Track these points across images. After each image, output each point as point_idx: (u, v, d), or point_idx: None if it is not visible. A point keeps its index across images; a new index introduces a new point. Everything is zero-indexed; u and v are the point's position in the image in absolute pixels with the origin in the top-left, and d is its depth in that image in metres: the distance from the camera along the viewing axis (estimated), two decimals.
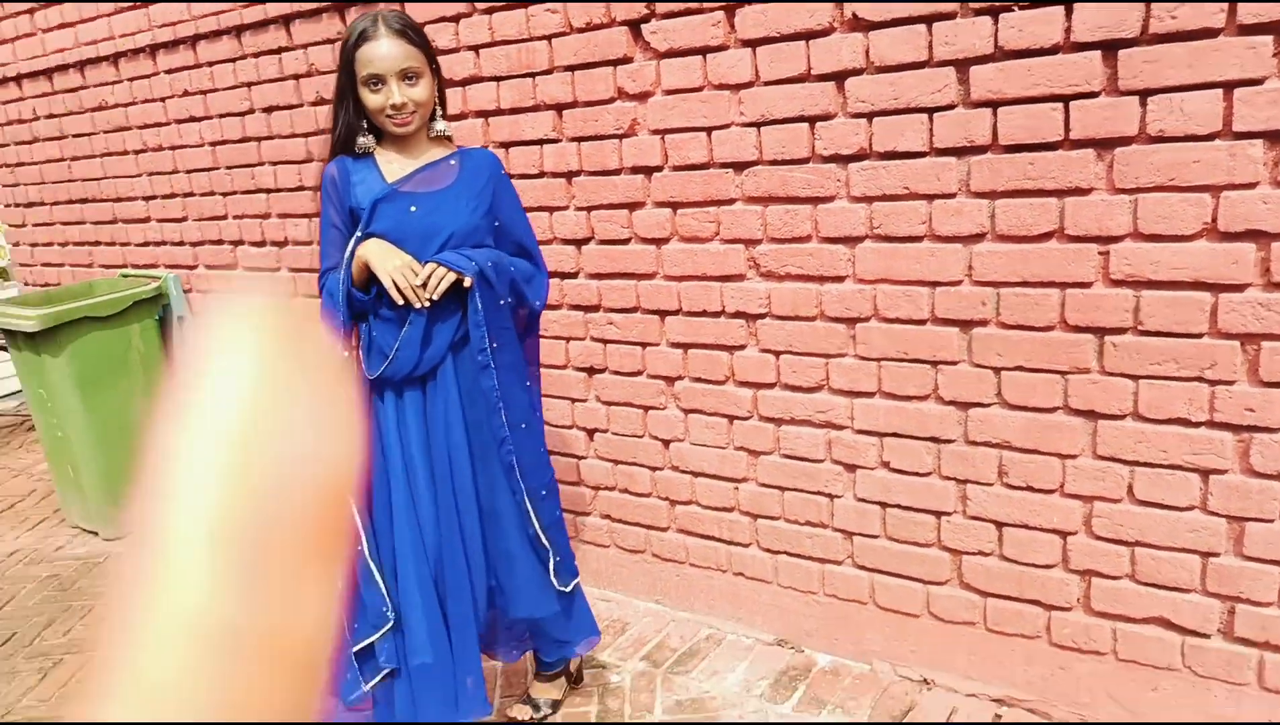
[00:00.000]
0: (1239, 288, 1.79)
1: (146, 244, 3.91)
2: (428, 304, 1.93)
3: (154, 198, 3.78)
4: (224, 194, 3.51)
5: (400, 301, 1.92)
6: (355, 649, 2.02)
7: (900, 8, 1.96)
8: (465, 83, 2.70)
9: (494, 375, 2.00)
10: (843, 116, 2.12)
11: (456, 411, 2.03)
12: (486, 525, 2.10)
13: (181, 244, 3.76)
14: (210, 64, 3.33)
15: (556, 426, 2.83)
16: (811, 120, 2.16)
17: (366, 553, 2.03)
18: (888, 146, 2.08)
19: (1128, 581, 2.05)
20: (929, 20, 1.95)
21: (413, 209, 1.96)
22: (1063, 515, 2.09)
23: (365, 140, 1.97)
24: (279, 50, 3.10)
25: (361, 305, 1.99)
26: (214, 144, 3.46)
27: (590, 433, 2.81)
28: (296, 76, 3.10)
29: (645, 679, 2.46)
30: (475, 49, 2.64)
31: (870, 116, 2.08)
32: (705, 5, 2.21)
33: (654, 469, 2.70)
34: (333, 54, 2.96)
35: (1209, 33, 1.70)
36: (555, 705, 2.35)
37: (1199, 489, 1.93)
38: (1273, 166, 1.71)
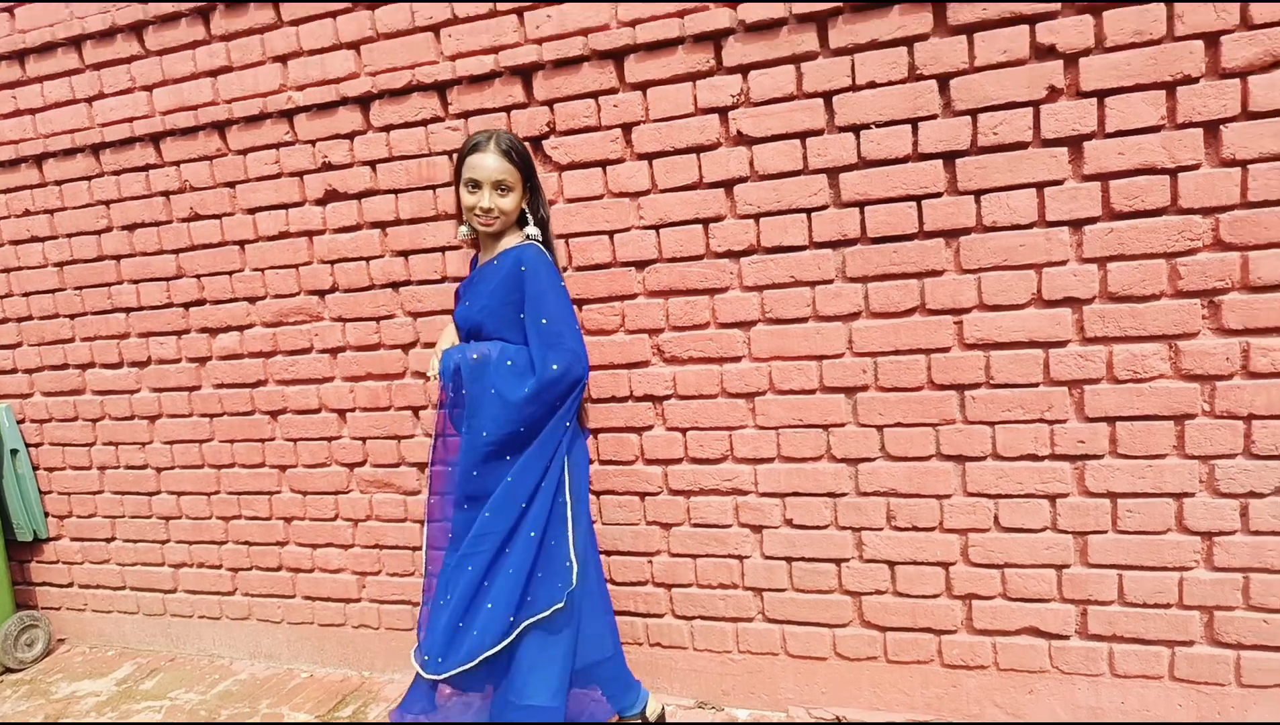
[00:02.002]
0: (1062, 343, 2.23)
1: None
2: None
3: None
4: (71, 316, 3.34)
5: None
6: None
7: (778, 125, 2.33)
8: (360, 196, 2.81)
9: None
10: (732, 218, 2.44)
11: None
12: None
13: (14, 372, 3.50)
14: (59, 182, 3.21)
15: None
16: (705, 222, 2.46)
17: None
18: (774, 242, 2.41)
19: (1001, 599, 2.40)
20: (803, 136, 2.32)
21: (467, 303, 2.30)
22: (944, 548, 2.43)
23: (461, 230, 2.29)
24: (146, 167, 3.07)
25: None
26: (60, 264, 3.30)
27: None
28: (166, 193, 3.06)
29: None
30: (371, 164, 2.77)
31: (757, 217, 2.41)
32: (604, 124, 2.49)
33: None
34: (209, 170, 2.99)
35: (1021, 145, 2.17)
36: None
37: (1049, 512, 2.32)
38: (1078, 247, 2.18)
